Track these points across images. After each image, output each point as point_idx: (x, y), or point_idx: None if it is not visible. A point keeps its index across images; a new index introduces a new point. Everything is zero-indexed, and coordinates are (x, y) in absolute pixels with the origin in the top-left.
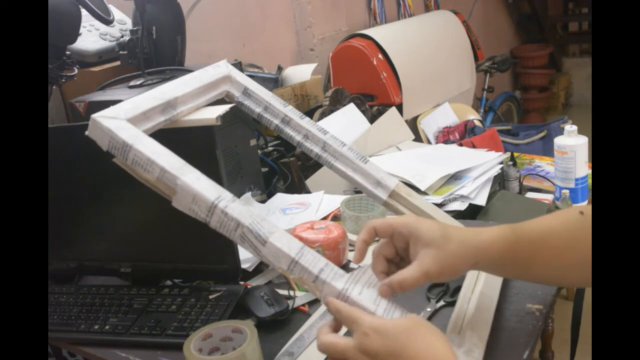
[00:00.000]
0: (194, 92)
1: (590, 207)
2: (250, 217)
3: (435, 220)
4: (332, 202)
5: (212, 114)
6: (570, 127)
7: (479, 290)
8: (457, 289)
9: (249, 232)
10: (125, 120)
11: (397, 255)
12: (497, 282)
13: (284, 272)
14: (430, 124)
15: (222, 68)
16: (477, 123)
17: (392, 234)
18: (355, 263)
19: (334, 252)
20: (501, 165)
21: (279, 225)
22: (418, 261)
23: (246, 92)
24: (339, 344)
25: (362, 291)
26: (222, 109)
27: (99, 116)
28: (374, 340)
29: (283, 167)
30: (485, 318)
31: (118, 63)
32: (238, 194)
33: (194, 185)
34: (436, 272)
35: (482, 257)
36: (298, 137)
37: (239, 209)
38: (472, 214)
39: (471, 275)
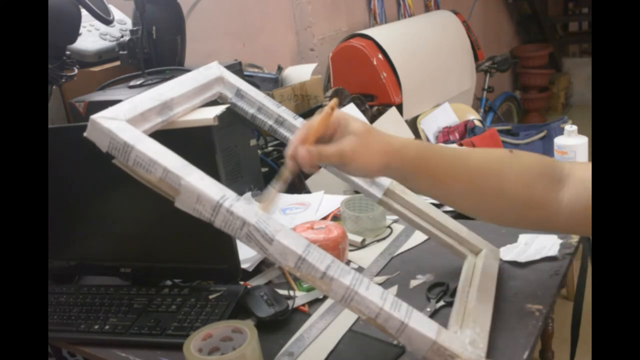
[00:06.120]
0: (189, 93)
1: (520, 152)
2: (255, 216)
3: (364, 122)
4: (332, 202)
5: (209, 114)
6: (570, 127)
7: (476, 284)
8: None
9: (255, 230)
10: (125, 121)
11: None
12: (492, 276)
13: (291, 269)
14: (430, 124)
15: (214, 69)
16: (477, 123)
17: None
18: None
19: (334, 252)
20: None
21: None
22: (338, 142)
23: (239, 93)
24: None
25: (369, 287)
26: (220, 109)
27: (98, 117)
28: None
29: None
30: (485, 310)
31: (118, 63)
32: (238, 194)
33: (199, 185)
34: (349, 155)
35: (394, 158)
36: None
37: (244, 208)
38: None
39: (467, 270)
